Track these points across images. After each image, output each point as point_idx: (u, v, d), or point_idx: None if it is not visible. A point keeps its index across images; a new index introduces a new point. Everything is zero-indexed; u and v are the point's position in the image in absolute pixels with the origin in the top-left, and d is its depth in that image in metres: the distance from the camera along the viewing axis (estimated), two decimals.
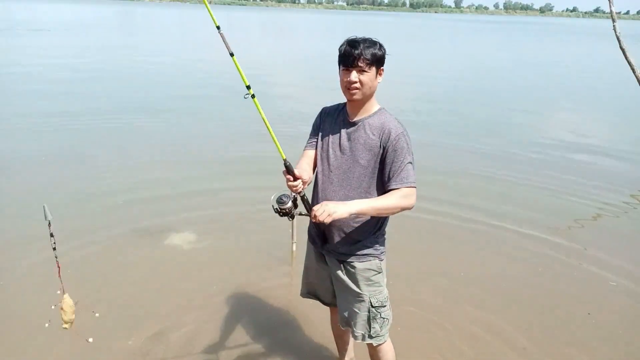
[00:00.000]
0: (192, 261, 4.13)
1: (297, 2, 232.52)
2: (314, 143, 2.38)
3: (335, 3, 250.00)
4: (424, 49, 30.96)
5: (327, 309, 2.80)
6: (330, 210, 1.99)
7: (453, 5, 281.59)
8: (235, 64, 2.14)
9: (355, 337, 2.41)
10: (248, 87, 2.17)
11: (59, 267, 2.17)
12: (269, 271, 4.02)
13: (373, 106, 2.27)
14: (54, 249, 2.12)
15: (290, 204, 2.12)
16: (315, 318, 3.37)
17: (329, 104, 2.46)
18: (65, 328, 2.34)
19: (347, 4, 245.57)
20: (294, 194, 2.17)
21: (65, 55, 17.43)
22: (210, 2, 2.26)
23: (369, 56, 2.11)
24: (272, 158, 6.67)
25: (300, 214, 2.19)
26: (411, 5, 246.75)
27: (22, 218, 4.72)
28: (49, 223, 2.01)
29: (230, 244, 4.45)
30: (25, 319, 3.32)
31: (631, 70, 6.74)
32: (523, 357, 3.15)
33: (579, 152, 7.93)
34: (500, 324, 3.45)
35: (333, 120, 2.34)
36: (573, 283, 4.06)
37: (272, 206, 2.16)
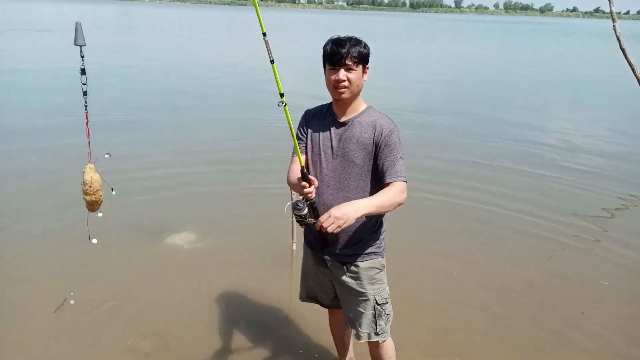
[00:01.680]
0: (192, 261, 4.13)
1: (297, 2, 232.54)
2: (303, 148, 2.32)
3: (335, 3, 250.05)
4: (426, 49, 30.97)
5: (325, 314, 2.82)
6: (340, 222, 1.96)
7: (453, 5, 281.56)
8: (274, 71, 2.07)
9: (359, 338, 2.39)
10: (282, 95, 2.11)
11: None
12: (269, 271, 4.02)
13: (361, 105, 2.26)
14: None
15: (306, 210, 2.10)
16: (315, 318, 3.37)
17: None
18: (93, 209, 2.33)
19: (347, 4, 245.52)
20: (307, 200, 2.13)
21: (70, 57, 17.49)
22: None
23: (356, 54, 2.11)
24: (273, 159, 6.69)
25: (314, 222, 2.13)
26: (411, 5, 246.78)
27: (24, 215, 4.74)
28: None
29: (230, 243, 4.45)
30: (31, 306, 3.36)
31: (631, 70, 6.74)
32: (522, 356, 3.15)
33: (580, 151, 7.92)
34: (494, 323, 3.46)
35: (320, 122, 2.30)
36: (565, 282, 4.06)
37: (286, 212, 2.17)
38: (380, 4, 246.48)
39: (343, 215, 1.97)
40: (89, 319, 3.32)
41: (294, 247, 4.24)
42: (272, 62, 2.09)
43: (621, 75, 13.42)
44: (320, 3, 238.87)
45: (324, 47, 2.16)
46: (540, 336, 3.33)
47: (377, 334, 2.39)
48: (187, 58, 19.12)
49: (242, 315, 3.45)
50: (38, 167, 6.14)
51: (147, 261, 4.10)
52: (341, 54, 2.09)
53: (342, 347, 2.89)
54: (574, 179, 6.47)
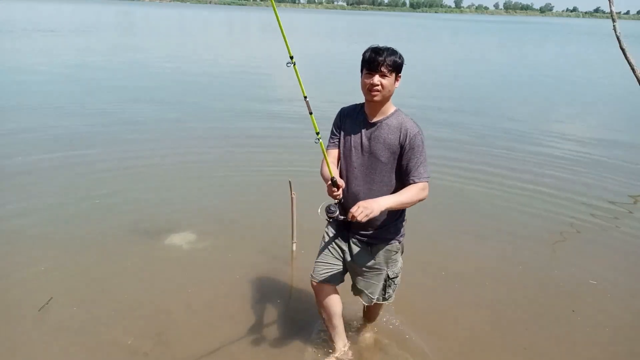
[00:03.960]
0: (192, 261, 4.13)
1: (297, 2, 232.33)
2: (336, 142, 2.67)
3: (335, 3, 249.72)
4: (428, 48, 30.97)
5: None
6: (367, 212, 2.32)
7: (453, 5, 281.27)
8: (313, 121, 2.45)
9: (370, 301, 2.81)
10: (310, 114, 2.47)
11: None
12: (269, 271, 4.02)
13: (390, 108, 2.54)
14: None
15: (337, 212, 2.51)
16: (315, 318, 3.38)
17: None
18: None
19: (347, 4, 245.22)
20: (335, 201, 2.54)
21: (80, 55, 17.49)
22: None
23: (390, 63, 2.39)
24: (275, 159, 6.69)
25: (343, 218, 2.53)
26: (411, 5, 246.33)
27: (19, 216, 4.74)
28: None
29: (230, 244, 4.45)
30: (17, 307, 3.33)
31: (631, 70, 6.75)
32: (521, 357, 3.15)
33: (574, 154, 7.91)
34: (486, 322, 3.46)
35: (353, 121, 2.61)
36: (554, 281, 4.07)
37: (320, 214, 2.55)
38: (380, 4, 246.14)
39: (369, 207, 2.33)
40: (89, 319, 3.32)
41: (294, 247, 4.24)
42: (310, 113, 2.52)
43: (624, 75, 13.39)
44: (320, 3, 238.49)
45: (364, 54, 2.44)
46: (537, 336, 3.34)
47: (385, 299, 2.85)
48: (195, 57, 19.11)
49: (242, 314, 3.44)
50: (34, 165, 6.14)
51: (146, 261, 4.10)
52: (378, 61, 2.38)
53: (332, 328, 2.92)
54: (569, 187, 6.43)
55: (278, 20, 2.42)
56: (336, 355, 2.95)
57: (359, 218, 2.30)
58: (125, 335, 3.15)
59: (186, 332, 3.23)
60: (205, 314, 3.44)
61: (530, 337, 3.33)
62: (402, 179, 2.52)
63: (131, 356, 2.99)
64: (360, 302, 2.92)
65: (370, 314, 3.23)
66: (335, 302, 2.86)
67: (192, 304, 3.54)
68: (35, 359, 2.98)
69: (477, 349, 3.21)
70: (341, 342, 2.96)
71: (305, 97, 2.49)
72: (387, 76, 2.40)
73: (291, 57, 2.40)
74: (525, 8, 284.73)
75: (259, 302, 3.60)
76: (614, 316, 3.62)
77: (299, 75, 2.43)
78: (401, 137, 2.46)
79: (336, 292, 2.85)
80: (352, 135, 2.58)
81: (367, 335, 3.20)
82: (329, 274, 2.76)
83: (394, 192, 2.54)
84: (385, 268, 2.73)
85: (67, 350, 3.04)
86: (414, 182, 2.46)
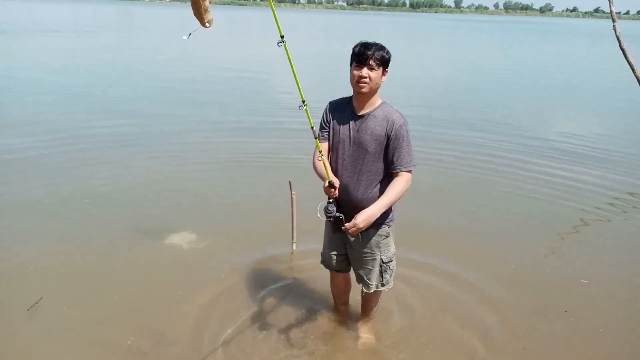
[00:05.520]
0: (192, 261, 4.13)
1: (297, 2, 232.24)
2: (326, 136, 2.76)
3: (335, 3, 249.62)
4: (429, 48, 30.98)
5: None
6: (362, 228, 2.54)
7: (453, 5, 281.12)
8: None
9: (369, 288, 2.94)
10: (304, 102, 2.51)
11: None
12: (269, 271, 4.02)
13: (377, 100, 2.66)
14: None
15: (335, 211, 2.61)
16: (316, 317, 3.38)
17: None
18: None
19: (347, 4, 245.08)
20: (332, 199, 2.63)
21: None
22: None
23: (379, 57, 2.52)
24: (274, 159, 6.67)
25: (339, 217, 2.62)
26: (411, 5, 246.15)
27: (15, 217, 4.74)
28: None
29: (230, 243, 4.45)
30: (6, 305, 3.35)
31: (631, 70, 6.74)
32: (518, 357, 3.15)
33: (573, 152, 7.90)
34: (484, 325, 3.44)
35: (341, 114, 2.72)
36: (546, 281, 4.06)
37: (320, 216, 2.66)
38: (380, 4, 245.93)
39: (363, 222, 2.52)
40: (88, 319, 3.32)
41: (294, 247, 4.24)
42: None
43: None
44: (320, 3, 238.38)
45: (353, 48, 2.56)
46: (530, 336, 3.34)
47: (383, 284, 2.97)
48: (195, 58, 19.11)
49: (242, 314, 3.44)
50: (27, 162, 6.13)
51: (147, 261, 4.10)
52: (367, 55, 2.50)
53: (341, 302, 3.42)
54: (566, 186, 6.41)
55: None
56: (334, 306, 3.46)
57: (354, 233, 2.55)
58: (124, 335, 3.15)
59: (186, 331, 3.22)
60: (205, 313, 3.43)
61: (520, 337, 3.32)
62: (388, 167, 2.65)
63: (131, 356, 2.99)
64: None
65: (367, 304, 3.19)
66: (341, 286, 3.30)
67: (192, 304, 3.53)
68: (25, 358, 2.97)
69: (466, 350, 3.20)
70: (340, 307, 3.43)
71: (304, 102, 2.52)
72: (374, 69, 2.53)
73: (304, 102, 2.52)
74: (525, 8, 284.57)
75: (259, 302, 3.60)
76: (607, 316, 3.62)
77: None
78: (387, 128, 2.58)
79: (345, 277, 3.21)
80: (341, 129, 2.69)
81: (363, 333, 3.23)
82: (338, 263, 3.05)
83: (382, 180, 2.68)
84: (378, 253, 2.85)
85: (60, 350, 3.04)
86: (400, 172, 2.61)
